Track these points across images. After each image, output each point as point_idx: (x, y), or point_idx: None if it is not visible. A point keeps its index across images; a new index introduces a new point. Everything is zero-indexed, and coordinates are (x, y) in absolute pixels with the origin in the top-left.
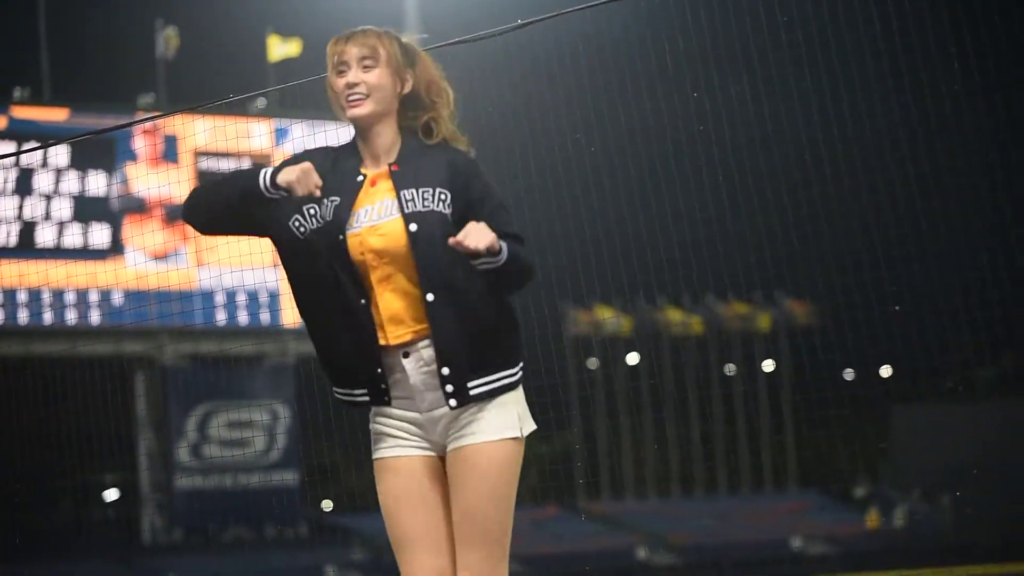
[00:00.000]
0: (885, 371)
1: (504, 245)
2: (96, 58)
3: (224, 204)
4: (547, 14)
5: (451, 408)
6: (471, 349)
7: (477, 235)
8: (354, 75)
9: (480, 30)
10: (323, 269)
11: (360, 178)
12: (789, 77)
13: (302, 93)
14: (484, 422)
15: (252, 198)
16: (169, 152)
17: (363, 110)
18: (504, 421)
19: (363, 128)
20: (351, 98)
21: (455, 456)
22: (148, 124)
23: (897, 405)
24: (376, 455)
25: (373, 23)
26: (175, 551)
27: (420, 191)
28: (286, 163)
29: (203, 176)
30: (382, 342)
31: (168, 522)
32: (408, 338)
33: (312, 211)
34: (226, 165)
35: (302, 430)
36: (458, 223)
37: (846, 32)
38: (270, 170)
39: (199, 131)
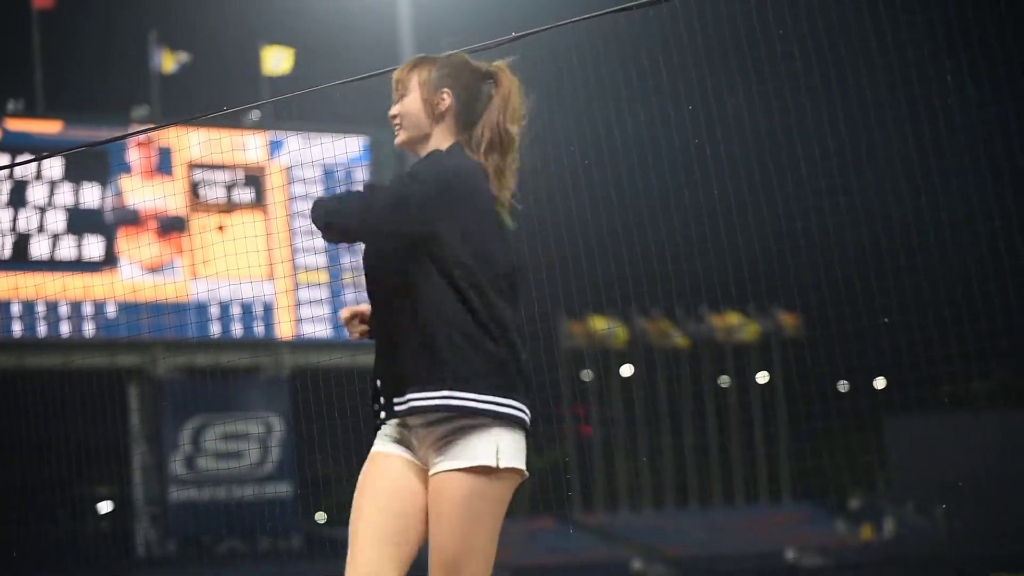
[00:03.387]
0: (879, 383)
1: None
2: (90, 71)
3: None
4: (541, 27)
5: (375, 416)
6: (399, 363)
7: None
8: (393, 107)
9: (474, 43)
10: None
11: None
12: (785, 90)
13: (296, 106)
14: (457, 448)
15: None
16: (163, 164)
17: (399, 139)
18: (479, 449)
19: (412, 154)
20: (394, 128)
21: (430, 482)
22: (142, 136)
23: (891, 417)
24: (374, 449)
25: (367, 37)
26: (169, 563)
27: None
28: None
29: (197, 188)
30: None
31: (162, 534)
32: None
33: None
34: (220, 177)
35: (296, 442)
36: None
37: (842, 46)
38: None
39: (193, 143)
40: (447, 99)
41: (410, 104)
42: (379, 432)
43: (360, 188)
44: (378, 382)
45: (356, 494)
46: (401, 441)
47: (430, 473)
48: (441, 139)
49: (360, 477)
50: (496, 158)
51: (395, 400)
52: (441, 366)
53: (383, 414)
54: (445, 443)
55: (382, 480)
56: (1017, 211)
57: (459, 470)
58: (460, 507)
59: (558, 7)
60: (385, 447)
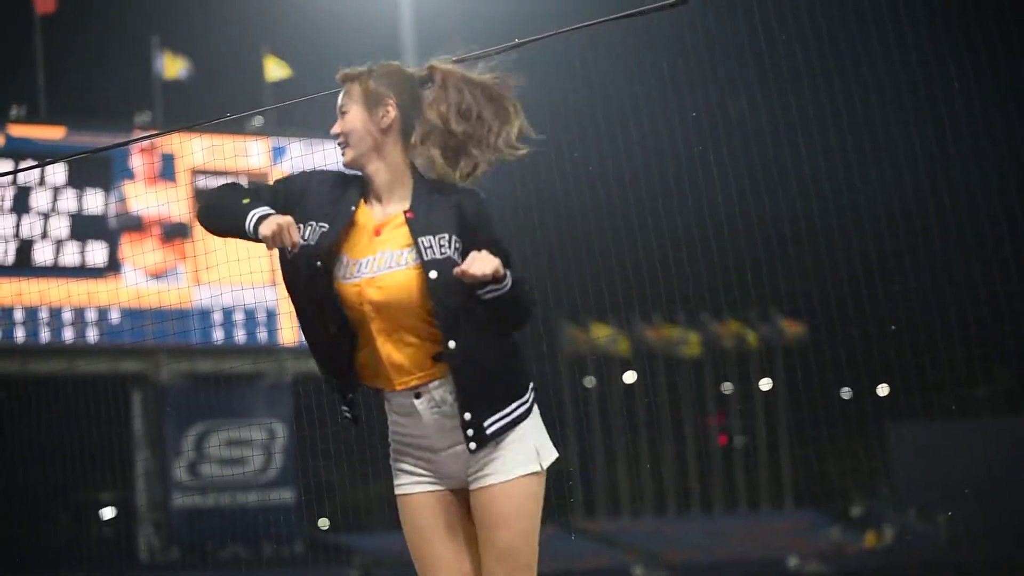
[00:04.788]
0: (882, 390)
1: (508, 272)
2: (93, 76)
3: (224, 228)
4: (544, 33)
5: (471, 451)
6: (488, 389)
7: (482, 262)
8: (336, 125)
9: (476, 49)
10: (304, 287)
11: (352, 208)
12: (788, 96)
13: (300, 112)
14: (502, 460)
15: (242, 237)
16: (166, 170)
17: (346, 157)
18: (523, 457)
19: (361, 173)
20: (339, 147)
21: (479, 497)
22: (145, 142)
23: (894, 423)
24: (397, 491)
25: (369, 43)
26: (172, 569)
27: (437, 238)
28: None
29: (200, 195)
30: (388, 388)
31: (165, 540)
32: (415, 383)
33: (311, 232)
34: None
35: (299, 448)
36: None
37: (845, 52)
38: (257, 215)
39: (196, 149)
40: (391, 110)
41: (353, 119)
42: (398, 468)
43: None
44: (467, 415)
45: (417, 539)
46: (424, 469)
47: (479, 486)
48: (392, 151)
49: (407, 522)
50: (432, 149)
51: (486, 424)
52: (509, 379)
53: (473, 444)
54: (489, 456)
55: (441, 523)
56: (1021, 214)
57: (511, 480)
58: (521, 515)
59: (561, 13)
60: (416, 488)
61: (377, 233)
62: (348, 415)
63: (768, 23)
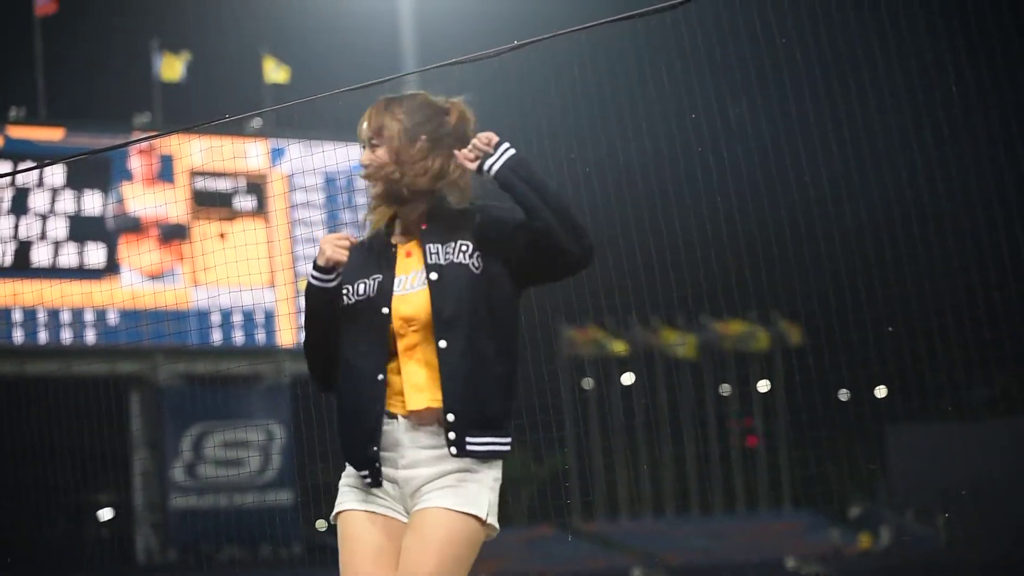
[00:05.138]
0: (880, 391)
1: (507, 144)
2: (92, 78)
3: (322, 336)
4: (543, 35)
5: (451, 455)
6: (476, 403)
7: (479, 140)
8: (365, 155)
9: (476, 51)
10: (357, 337)
11: (392, 249)
12: (788, 99)
13: (298, 113)
14: (453, 492)
15: (324, 306)
16: (165, 172)
17: (374, 189)
18: (474, 499)
19: (390, 204)
20: (367, 177)
21: (415, 516)
22: (144, 144)
23: (892, 425)
24: (338, 508)
25: (369, 45)
26: (170, 571)
27: (444, 245)
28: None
29: (199, 196)
30: (395, 410)
31: (163, 542)
32: (422, 406)
33: (361, 287)
34: (222, 185)
35: (297, 450)
36: (492, 260)
37: (844, 55)
38: (310, 266)
39: (195, 151)
40: (424, 145)
41: (383, 155)
42: (348, 487)
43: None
44: (450, 416)
45: (347, 558)
46: (379, 493)
47: (418, 508)
48: (420, 183)
49: (344, 539)
50: (460, 181)
51: (468, 440)
52: (499, 409)
53: (453, 449)
54: (443, 484)
55: (377, 545)
56: (1020, 217)
57: (452, 510)
58: (447, 545)
59: (560, 15)
60: (363, 505)
61: (408, 255)
62: (366, 478)
63: (768, 27)
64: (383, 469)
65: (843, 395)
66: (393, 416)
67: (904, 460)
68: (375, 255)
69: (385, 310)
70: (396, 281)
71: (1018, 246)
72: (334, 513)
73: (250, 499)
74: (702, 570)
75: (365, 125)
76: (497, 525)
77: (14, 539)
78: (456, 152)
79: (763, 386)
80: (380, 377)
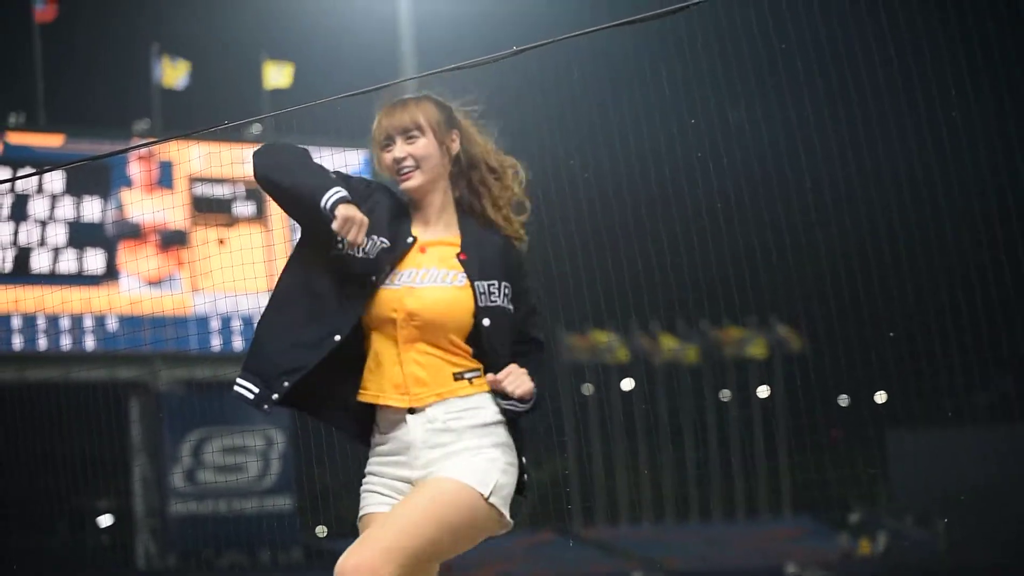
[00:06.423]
0: (880, 397)
1: (534, 396)
2: (91, 84)
3: (291, 184)
4: (543, 40)
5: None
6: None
7: (517, 380)
8: (400, 149)
9: (475, 57)
10: (338, 287)
11: (410, 240)
12: (788, 106)
13: (297, 119)
14: (457, 464)
15: (309, 202)
16: (164, 178)
17: (415, 182)
18: (480, 473)
19: (417, 198)
20: (402, 171)
21: (418, 483)
22: (143, 150)
23: (892, 431)
24: (363, 511)
25: (368, 51)
26: None
27: (488, 284)
28: (346, 179)
29: (197, 203)
30: (397, 404)
31: (162, 548)
32: (429, 402)
33: (368, 245)
34: (221, 191)
35: (297, 456)
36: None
37: (845, 60)
38: (341, 195)
39: (194, 157)
40: (456, 143)
41: (428, 146)
42: (370, 491)
43: (539, 337)
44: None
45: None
46: (398, 493)
47: (422, 475)
48: (446, 181)
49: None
50: (481, 188)
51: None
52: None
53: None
54: (453, 461)
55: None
56: (1019, 220)
57: (457, 480)
58: (444, 505)
59: (560, 21)
60: (384, 509)
61: (423, 251)
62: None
63: (767, 32)
64: (396, 471)
65: (843, 400)
66: (398, 412)
67: (904, 465)
68: (395, 224)
69: (373, 278)
70: (406, 272)
71: (1017, 250)
72: (359, 516)
73: (250, 505)
74: (702, 575)
75: (395, 121)
76: (507, 514)
77: (14, 545)
78: (490, 379)
79: (763, 391)
80: (336, 338)
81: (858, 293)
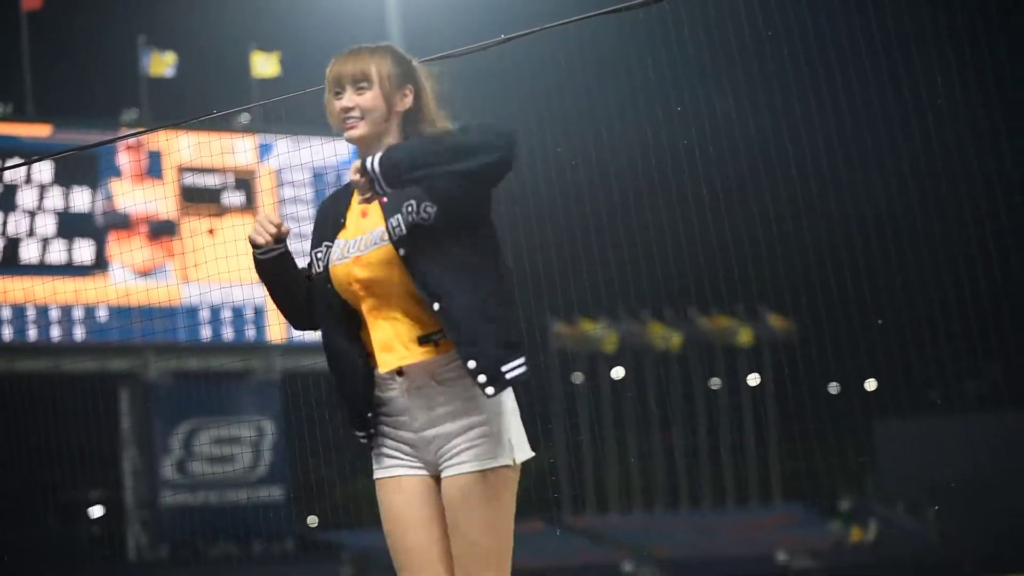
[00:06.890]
0: (870, 384)
1: (374, 157)
2: (79, 74)
3: (284, 298)
4: (530, 28)
5: (488, 396)
6: (491, 337)
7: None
8: (348, 98)
9: (463, 45)
10: (324, 309)
11: (342, 218)
12: (774, 92)
13: (286, 108)
14: (476, 451)
15: (273, 278)
16: (153, 168)
17: (357, 132)
18: (496, 449)
19: (361, 149)
20: (347, 121)
21: (449, 484)
22: (132, 140)
23: (881, 419)
24: (376, 475)
25: (356, 40)
26: (161, 568)
27: (405, 208)
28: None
29: (187, 192)
30: (377, 368)
31: (154, 539)
32: (398, 365)
33: (319, 255)
34: (210, 180)
35: (288, 446)
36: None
37: (832, 49)
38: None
39: (183, 147)
40: (409, 96)
41: (375, 98)
42: (377, 453)
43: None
44: (471, 363)
45: (392, 526)
46: (402, 454)
47: (449, 474)
48: (394, 134)
49: (384, 508)
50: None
51: (504, 369)
52: (509, 330)
53: (490, 389)
54: (463, 444)
55: (417, 509)
56: (1007, 212)
57: (483, 471)
58: (491, 506)
59: (547, 10)
60: (393, 471)
61: (364, 215)
62: (363, 439)
63: (754, 19)
64: (397, 432)
65: (832, 388)
66: (390, 377)
67: (893, 453)
68: (333, 221)
69: (328, 285)
70: (352, 242)
71: (1005, 240)
72: (374, 478)
73: (241, 495)
74: (692, 564)
75: (347, 69)
76: (528, 454)
77: (4, 536)
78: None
79: (753, 380)
80: (355, 337)
81: (846, 281)
